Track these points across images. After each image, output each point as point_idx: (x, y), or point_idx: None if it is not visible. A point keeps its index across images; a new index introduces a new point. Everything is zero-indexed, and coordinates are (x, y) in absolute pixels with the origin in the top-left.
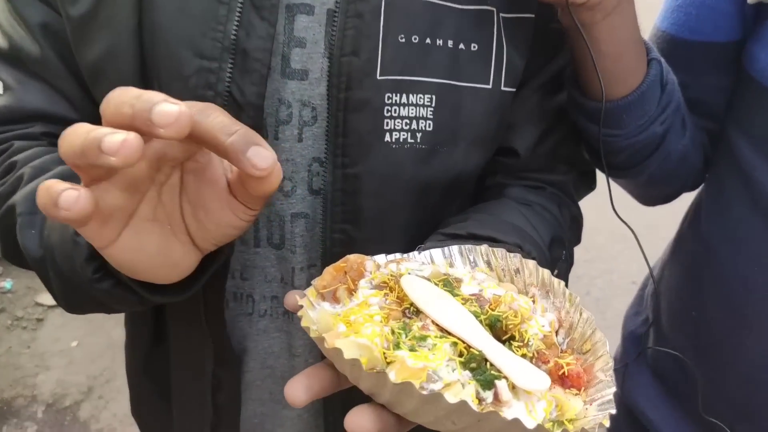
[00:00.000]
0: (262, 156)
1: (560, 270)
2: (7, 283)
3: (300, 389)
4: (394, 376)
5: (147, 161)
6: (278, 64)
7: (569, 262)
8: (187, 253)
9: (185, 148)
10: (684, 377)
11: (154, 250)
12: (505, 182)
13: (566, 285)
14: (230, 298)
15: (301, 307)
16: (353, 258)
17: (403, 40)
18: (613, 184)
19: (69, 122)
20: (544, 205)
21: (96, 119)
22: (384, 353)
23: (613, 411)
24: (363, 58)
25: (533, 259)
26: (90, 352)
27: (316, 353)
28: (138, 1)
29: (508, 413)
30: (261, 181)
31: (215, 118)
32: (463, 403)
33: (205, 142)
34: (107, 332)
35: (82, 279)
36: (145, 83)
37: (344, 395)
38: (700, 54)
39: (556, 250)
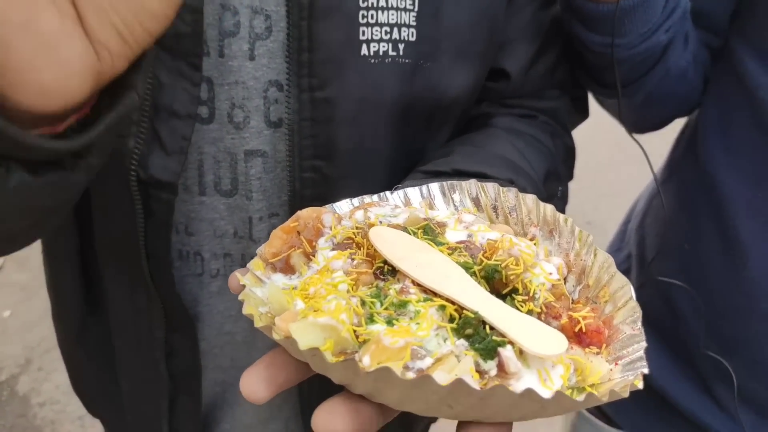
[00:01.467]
0: None
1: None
2: None
3: (259, 383)
4: (368, 360)
5: None
6: None
7: (564, 199)
8: (68, 34)
9: None
10: (669, 312)
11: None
12: (491, 111)
13: None
14: (175, 257)
15: (244, 288)
16: (306, 213)
17: None
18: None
19: None
20: (536, 135)
21: None
22: (355, 331)
23: (646, 370)
24: None
25: None
26: (25, 320)
27: None
28: None
29: (517, 386)
30: None
31: None
32: (458, 383)
33: None
34: (43, 298)
35: None
36: None
37: None
38: None
39: (552, 186)
